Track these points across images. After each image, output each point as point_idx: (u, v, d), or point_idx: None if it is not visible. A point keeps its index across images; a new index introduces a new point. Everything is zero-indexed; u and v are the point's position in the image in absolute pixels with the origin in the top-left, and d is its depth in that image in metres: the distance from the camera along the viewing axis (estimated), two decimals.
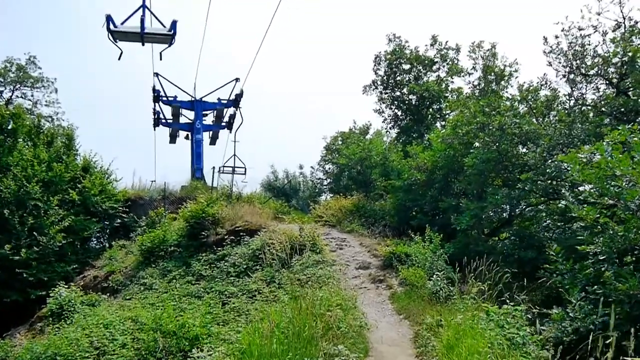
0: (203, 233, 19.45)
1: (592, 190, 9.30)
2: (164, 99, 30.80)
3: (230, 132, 32.46)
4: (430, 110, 27.23)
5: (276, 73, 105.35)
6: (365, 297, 13.70)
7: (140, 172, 46.95)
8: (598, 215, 9.29)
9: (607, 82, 13.85)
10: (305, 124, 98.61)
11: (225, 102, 31.95)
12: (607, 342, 8.94)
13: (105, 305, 15.76)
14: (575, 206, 9.40)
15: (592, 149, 9.25)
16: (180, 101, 31.33)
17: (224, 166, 30.97)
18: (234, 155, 31.36)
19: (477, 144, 17.24)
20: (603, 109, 13.38)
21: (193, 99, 31.50)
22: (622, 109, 12.82)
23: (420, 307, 11.99)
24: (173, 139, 34.72)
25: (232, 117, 32.46)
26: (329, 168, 38.85)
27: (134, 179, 35.11)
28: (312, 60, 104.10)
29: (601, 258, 9.62)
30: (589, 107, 14.26)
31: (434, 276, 13.15)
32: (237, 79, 30.81)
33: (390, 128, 28.64)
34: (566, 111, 14.41)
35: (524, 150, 15.03)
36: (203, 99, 31.57)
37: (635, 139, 8.93)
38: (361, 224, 21.49)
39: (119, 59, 20.31)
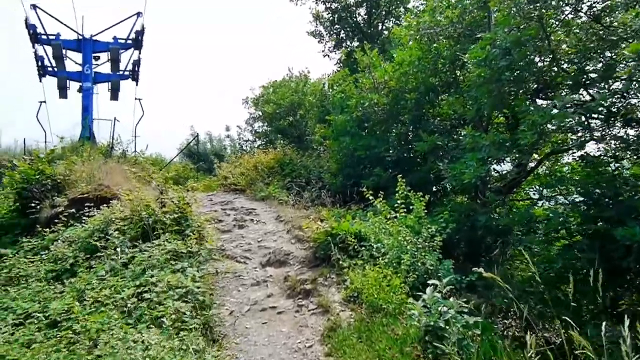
0: (32, 205, 11.22)
1: None
2: (43, 37, 22.46)
3: (137, 85, 24.60)
4: (385, 25, 19.30)
5: (202, 22, 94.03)
6: (271, 335, 6.05)
7: (25, 133, 37.50)
8: None
9: None
10: (238, 79, 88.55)
11: (122, 41, 23.87)
12: None
13: None
14: None
15: None
16: (64, 40, 23.00)
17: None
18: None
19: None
20: None
21: (80, 37, 23.03)
22: None
23: None
24: (63, 91, 25.62)
25: (136, 63, 24.58)
26: (259, 126, 30.72)
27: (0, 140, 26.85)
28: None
29: None
30: None
31: (429, 289, 5.48)
32: (138, 14, 22.95)
33: (330, 50, 20.52)
34: None
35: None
36: (94, 38, 23.34)
37: None
38: (284, 186, 13.50)
39: None
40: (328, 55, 20.39)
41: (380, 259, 6.99)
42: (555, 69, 8.00)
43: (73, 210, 10.62)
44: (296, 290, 7.24)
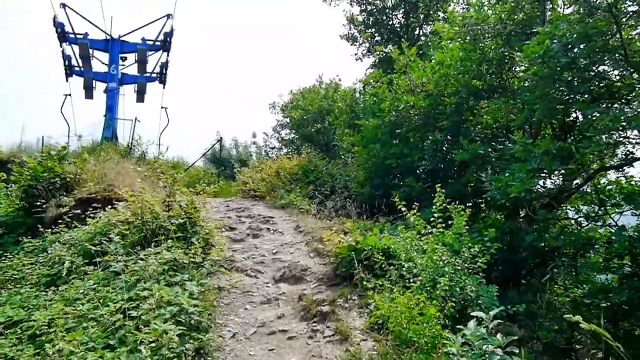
0: (38, 204, 10.58)
1: None
2: (71, 36, 22.13)
3: (164, 88, 24.11)
4: (422, 31, 18.23)
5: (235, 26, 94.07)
6: None
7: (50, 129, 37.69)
8: None
9: None
10: (268, 86, 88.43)
11: (150, 43, 23.36)
12: None
13: None
14: None
15: None
16: (91, 39, 22.59)
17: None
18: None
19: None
20: None
21: (108, 37, 22.75)
22: None
23: None
24: (89, 92, 25.33)
25: (164, 66, 23.86)
26: (286, 134, 30.01)
27: (22, 137, 26.65)
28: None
29: None
30: None
31: (472, 323, 4.35)
32: (168, 15, 22.65)
33: (363, 54, 19.54)
34: None
35: None
36: (122, 38, 23.03)
37: None
38: (307, 194, 12.54)
39: None
40: (361, 59, 19.44)
41: (412, 280, 5.92)
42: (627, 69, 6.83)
43: (79, 210, 9.97)
44: (311, 312, 6.22)
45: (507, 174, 7.62)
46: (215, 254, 6.92)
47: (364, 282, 6.30)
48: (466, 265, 6.13)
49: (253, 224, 9.91)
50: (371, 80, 13.18)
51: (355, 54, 19.36)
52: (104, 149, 16.58)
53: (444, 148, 10.61)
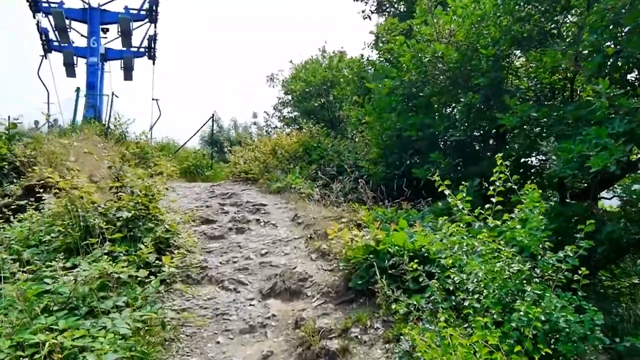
0: None
1: None
2: (44, 5, 19.95)
3: (154, 64, 22.12)
4: None
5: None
6: None
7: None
8: None
9: None
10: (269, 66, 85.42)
11: (135, 12, 21.13)
12: None
13: None
14: None
15: None
16: (67, 8, 20.25)
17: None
18: None
19: None
20: None
21: (86, 5, 20.46)
22: None
23: None
24: (70, 69, 23.04)
25: (152, 39, 21.71)
26: (288, 112, 27.74)
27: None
28: None
29: None
30: None
31: None
32: None
33: (372, 11, 17.02)
34: None
35: None
36: (102, 7, 20.71)
37: None
38: (309, 176, 10.41)
39: None
40: (369, 17, 16.85)
41: (467, 302, 3.80)
42: None
43: (25, 201, 8.03)
44: (313, 349, 4.13)
45: (578, 142, 5.46)
46: (169, 262, 4.77)
47: (391, 304, 4.19)
48: (546, 275, 4.00)
49: (239, 215, 7.80)
50: (385, 31, 10.80)
51: (363, 11, 16.84)
52: (77, 129, 14.74)
53: (479, 113, 8.41)
